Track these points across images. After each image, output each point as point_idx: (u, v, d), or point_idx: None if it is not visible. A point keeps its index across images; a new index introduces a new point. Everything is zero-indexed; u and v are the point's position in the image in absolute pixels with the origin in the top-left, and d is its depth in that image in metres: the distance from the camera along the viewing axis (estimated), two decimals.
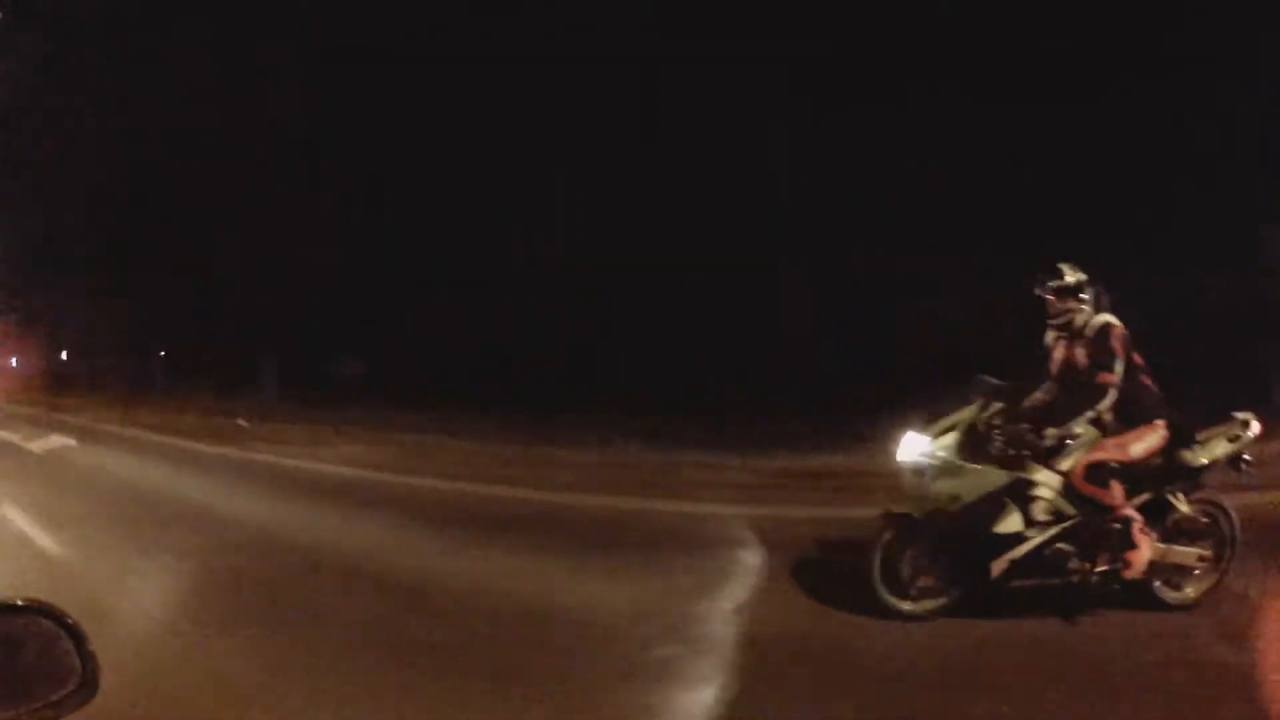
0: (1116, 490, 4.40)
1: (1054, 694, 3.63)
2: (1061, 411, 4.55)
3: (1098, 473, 4.40)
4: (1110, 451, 4.46)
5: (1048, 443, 4.46)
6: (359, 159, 18.16)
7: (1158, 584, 4.52)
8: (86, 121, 21.44)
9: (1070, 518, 4.41)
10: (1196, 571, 4.56)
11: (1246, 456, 4.66)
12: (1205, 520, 4.60)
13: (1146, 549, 4.37)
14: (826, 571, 5.17)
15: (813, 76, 15.63)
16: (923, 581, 4.48)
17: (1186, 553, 4.52)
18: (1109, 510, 4.40)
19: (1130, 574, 4.38)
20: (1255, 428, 4.64)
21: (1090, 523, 4.41)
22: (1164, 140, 14.89)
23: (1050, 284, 4.68)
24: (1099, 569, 4.40)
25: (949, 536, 4.49)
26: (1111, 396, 4.43)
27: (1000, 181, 15.30)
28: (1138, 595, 4.48)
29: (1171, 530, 4.54)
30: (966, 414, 4.58)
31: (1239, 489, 5.10)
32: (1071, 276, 4.68)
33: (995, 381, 4.64)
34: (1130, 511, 4.42)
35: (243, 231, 18.67)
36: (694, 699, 3.45)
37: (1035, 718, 3.46)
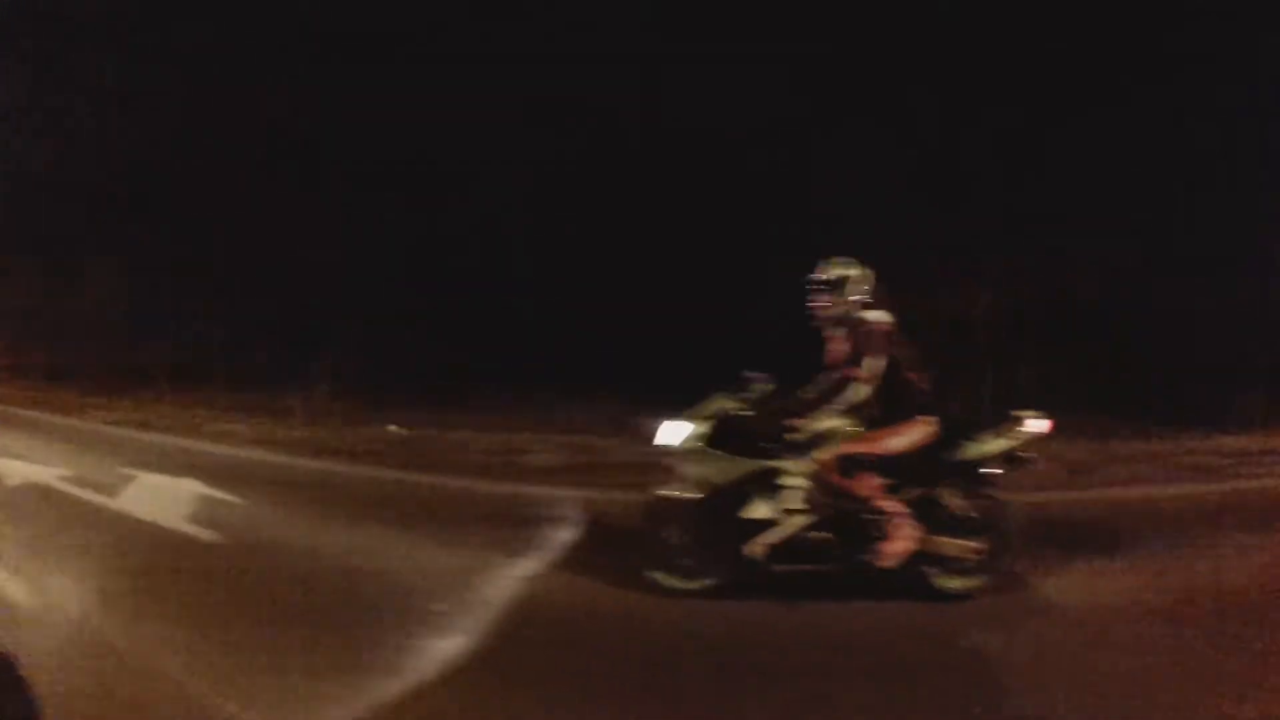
0: (867, 482, 4.57)
1: (799, 674, 3.90)
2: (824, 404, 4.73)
3: (847, 465, 4.58)
4: (864, 445, 4.62)
5: (800, 435, 4.67)
6: (356, 158, 18.16)
7: (934, 573, 4.66)
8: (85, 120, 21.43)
9: (824, 507, 4.63)
10: (973, 564, 4.67)
11: (1027, 455, 4.76)
12: (979, 516, 4.72)
13: (903, 541, 4.55)
14: (629, 548, 5.37)
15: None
16: (689, 561, 4.74)
17: (958, 545, 4.66)
18: (862, 501, 4.57)
19: (886, 564, 4.56)
20: (1037, 426, 4.75)
21: (845, 513, 4.61)
22: (1164, 141, 14.89)
23: (814, 278, 4.83)
24: (858, 557, 4.61)
25: (705, 520, 4.75)
26: (857, 391, 4.57)
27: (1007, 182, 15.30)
28: (915, 584, 4.66)
29: (943, 523, 4.68)
30: (723, 404, 4.82)
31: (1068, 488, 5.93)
32: (837, 271, 4.82)
33: (756, 374, 4.86)
34: (887, 503, 4.59)
35: (246, 230, 18.60)
36: (451, 644, 4.12)
37: (773, 695, 3.70)
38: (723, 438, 4.78)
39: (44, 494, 7.75)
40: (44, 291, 21.51)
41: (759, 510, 4.66)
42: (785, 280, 5.72)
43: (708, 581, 4.71)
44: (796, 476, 4.68)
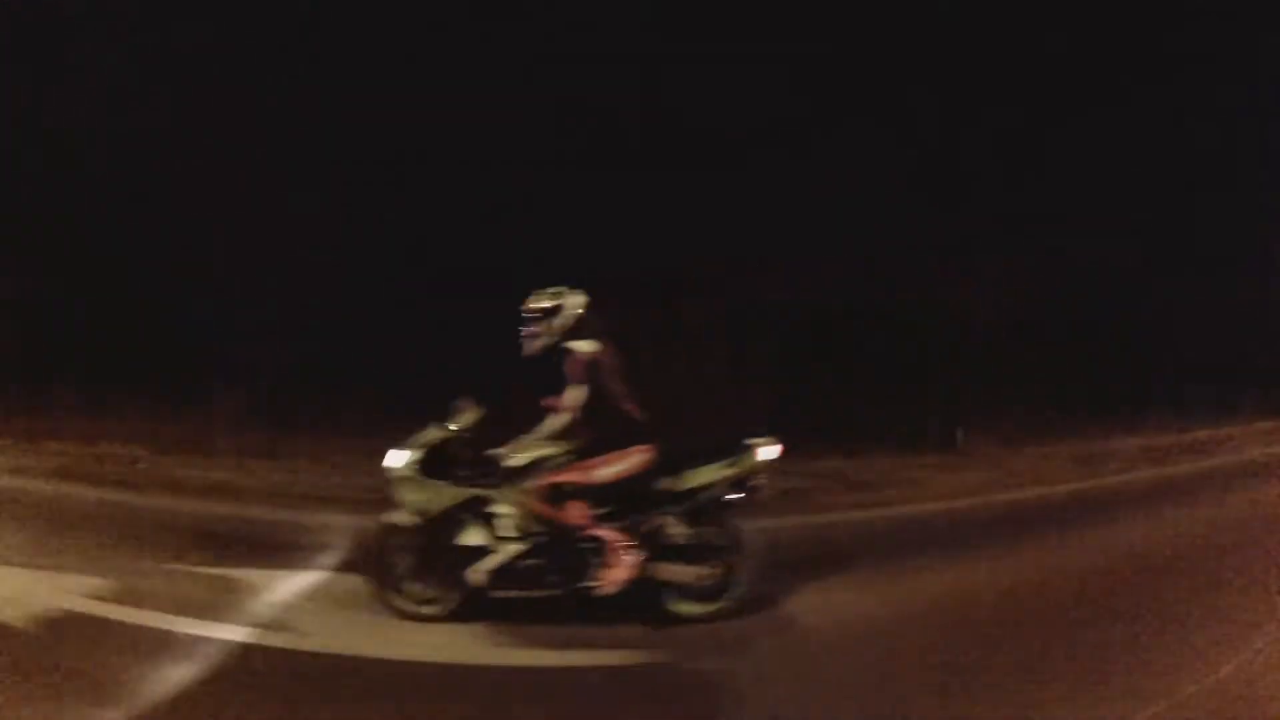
0: (575, 510, 4.56)
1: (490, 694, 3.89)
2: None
3: (555, 494, 4.56)
4: (572, 474, 4.60)
5: (510, 463, 4.68)
6: (353, 158, 17.86)
7: (671, 599, 4.68)
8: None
9: (536, 535, 4.63)
10: (709, 589, 4.70)
11: (755, 482, 4.79)
12: (707, 542, 4.74)
13: (623, 568, 4.54)
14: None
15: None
16: (419, 586, 4.74)
17: (686, 571, 4.67)
18: (573, 529, 4.57)
19: (606, 591, 4.56)
20: (766, 453, 4.77)
21: (558, 540, 4.61)
22: (1163, 142, 14.91)
23: (526, 307, 4.86)
24: (577, 584, 4.61)
25: (426, 547, 4.76)
26: (555, 420, 4.58)
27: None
28: (652, 608, 4.67)
29: (669, 550, 4.68)
30: (436, 433, 4.82)
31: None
32: (546, 301, 4.81)
33: (469, 403, 4.87)
34: (601, 531, 4.58)
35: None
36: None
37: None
38: (436, 465, 4.79)
39: None
40: None
41: (473, 537, 4.70)
42: None
43: (438, 607, 4.73)
44: (506, 504, 4.71)
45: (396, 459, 4.83)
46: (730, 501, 4.78)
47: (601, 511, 4.67)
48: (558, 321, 4.80)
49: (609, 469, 4.62)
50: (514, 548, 4.66)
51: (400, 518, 4.83)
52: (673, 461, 4.76)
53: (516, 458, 4.69)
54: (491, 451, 4.74)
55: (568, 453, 4.71)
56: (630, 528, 4.67)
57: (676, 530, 4.72)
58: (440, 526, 4.74)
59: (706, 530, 4.75)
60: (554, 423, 4.60)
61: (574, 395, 4.56)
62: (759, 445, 4.79)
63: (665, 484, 4.72)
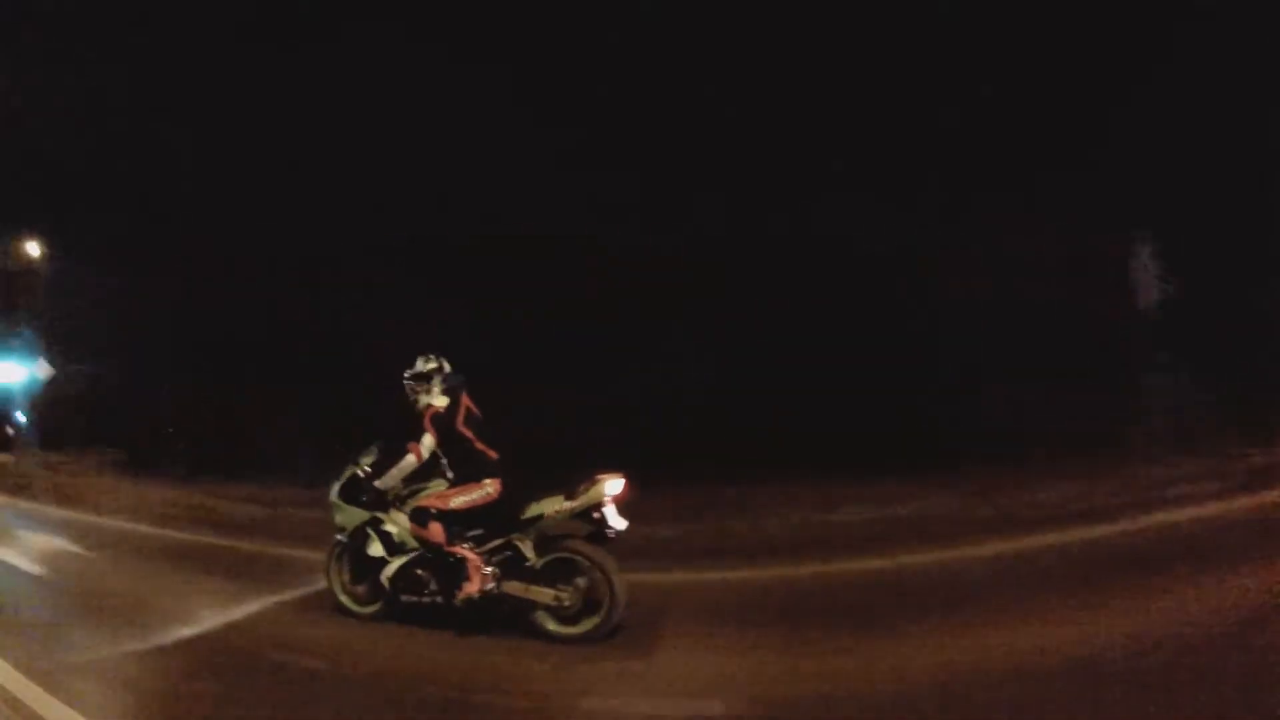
0: (436, 530, 5.58)
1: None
2: (430, 467, 5.81)
3: (420, 515, 5.64)
4: (434, 501, 5.69)
5: (391, 493, 5.89)
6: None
7: (539, 616, 5.41)
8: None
9: (415, 550, 5.74)
10: (569, 611, 5.33)
11: (599, 514, 5.37)
12: (557, 568, 5.41)
13: (475, 583, 5.48)
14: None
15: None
16: (361, 590, 6.08)
17: (539, 592, 5.40)
18: (436, 547, 5.58)
19: (461, 600, 5.52)
20: (610, 487, 5.37)
21: (429, 555, 5.66)
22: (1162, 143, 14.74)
23: (406, 372, 5.96)
24: (446, 593, 5.61)
25: (353, 558, 6.10)
26: (408, 461, 5.66)
27: None
28: (528, 625, 5.44)
29: (523, 571, 5.50)
30: (350, 468, 6.06)
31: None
32: (423, 366, 5.95)
33: (375, 443, 6.10)
34: (458, 550, 5.57)
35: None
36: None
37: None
38: (352, 492, 6.02)
39: None
40: None
41: (376, 549, 5.88)
42: None
43: (374, 608, 5.96)
44: (392, 524, 5.88)
45: (331, 489, 6.14)
46: (585, 529, 5.43)
47: (469, 534, 5.64)
48: (427, 382, 5.89)
49: (462, 498, 5.66)
50: (400, 560, 5.79)
51: (339, 535, 6.14)
52: (525, 493, 5.65)
53: (384, 486, 5.84)
54: (376, 482, 5.86)
55: (437, 484, 5.81)
56: (488, 550, 5.60)
57: (528, 554, 5.52)
58: (357, 541, 6.00)
59: (561, 557, 5.41)
60: (406, 463, 5.67)
61: (428, 441, 5.65)
62: (604, 479, 5.40)
63: (516, 512, 5.58)
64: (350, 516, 6.01)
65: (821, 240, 14.11)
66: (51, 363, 18.25)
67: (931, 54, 14.34)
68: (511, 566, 5.53)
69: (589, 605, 5.28)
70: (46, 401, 19.67)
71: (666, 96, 15.41)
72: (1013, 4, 14.61)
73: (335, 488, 6.09)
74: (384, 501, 5.92)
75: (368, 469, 5.94)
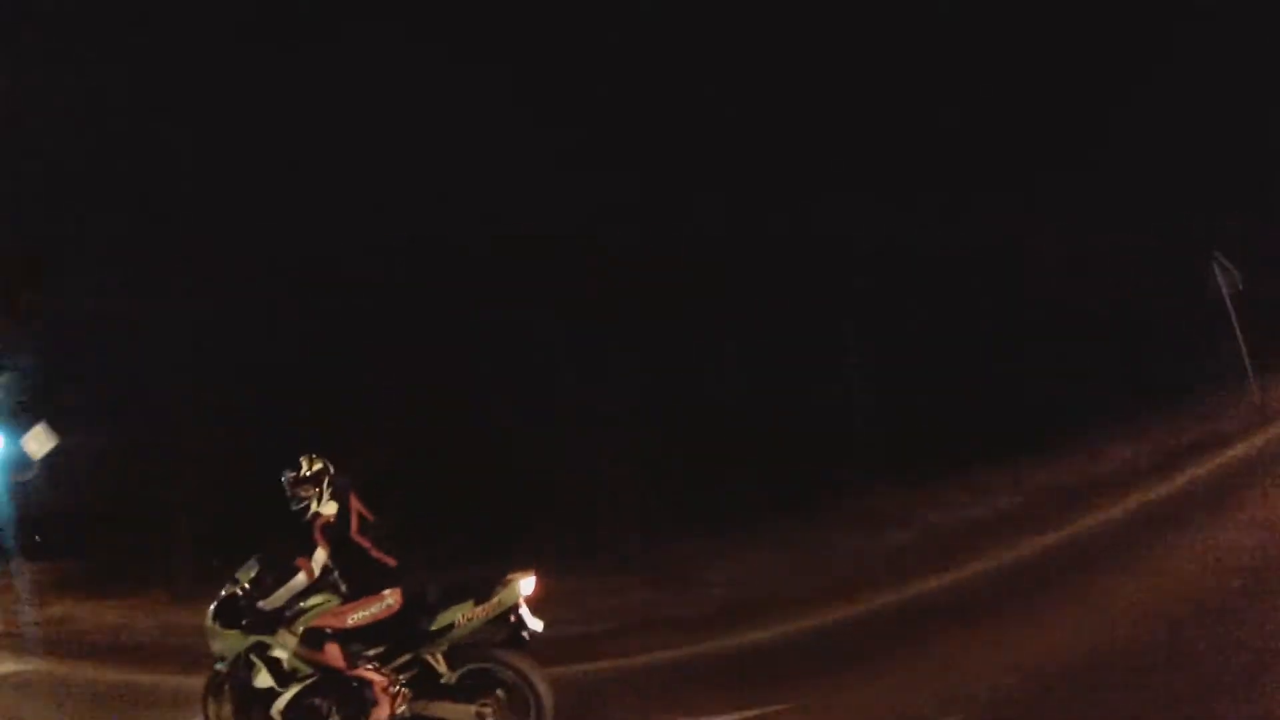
0: (333, 652, 4.95)
1: None
2: (323, 582, 5.17)
3: (315, 637, 5.00)
4: (329, 619, 5.04)
5: (268, 610, 5.09)
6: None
7: None
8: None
9: (310, 676, 5.05)
10: None
11: (515, 616, 4.96)
12: (476, 680, 4.97)
13: (384, 707, 4.90)
14: None
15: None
16: None
17: (460, 710, 4.93)
18: (336, 671, 4.97)
19: None
20: (524, 586, 4.98)
21: (328, 681, 5.02)
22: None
23: (287, 475, 5.31)
24: None
25: (235, 690, 5.23)
26: (297, 579, 5.00)
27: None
28: None
29: (438, 689, 5.00)
30: (230, 586, 5.27)
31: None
32: (307, 468, 5.30)
33: (255, 559, 5.34)
34: (361, 672, 4.97)
35: None
36: None
37: None
38: (231, 615, 5.21)
39: None
40: None
41: (263, 680, 5.09)
42: None
43: None
44: (281, 649, 5.12)
45: (207, 613, 5.30)
46: (509, 638, 5.00)
47: (371, 653, 5.06)
48: (304, 487, 5.25)
49: (360, 613, 5.05)
50: (293, 689, 5.05)
51: (218, 664, 5.29)
52: (431, 601, 5.10)
53: (271, 606, 5.08)
54: (260, 603, 5.10)
55: (329, 600, 5.14)
56: (396, 668, 5.03)
57: (441, 669, 5.02)
58: (239, 671, 5.19)
59: (479, 668, 4.98)
60: (296, 580, 5.01)
61: (316, 556, 5.02)
62: (517, 578, 5.01)
63: (422, 623, 5.02)
64: (230, 643, 5.19)
65: (821, 240, 14.15)
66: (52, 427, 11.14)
67: (931, 54, 14.37)
68: (423, 684, 5.03)
69: (514, 716, 4.89)
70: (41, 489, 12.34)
71: (666, 96, 15.41)
72: (1013, 4, 14.62)
73: (211, 610, 5.29)
74: (269, 624, 5.15)
75: (246, 587, 5.22)
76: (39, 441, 11.10)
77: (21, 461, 11.34)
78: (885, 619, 6.94)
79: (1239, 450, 9.77)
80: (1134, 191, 14.09)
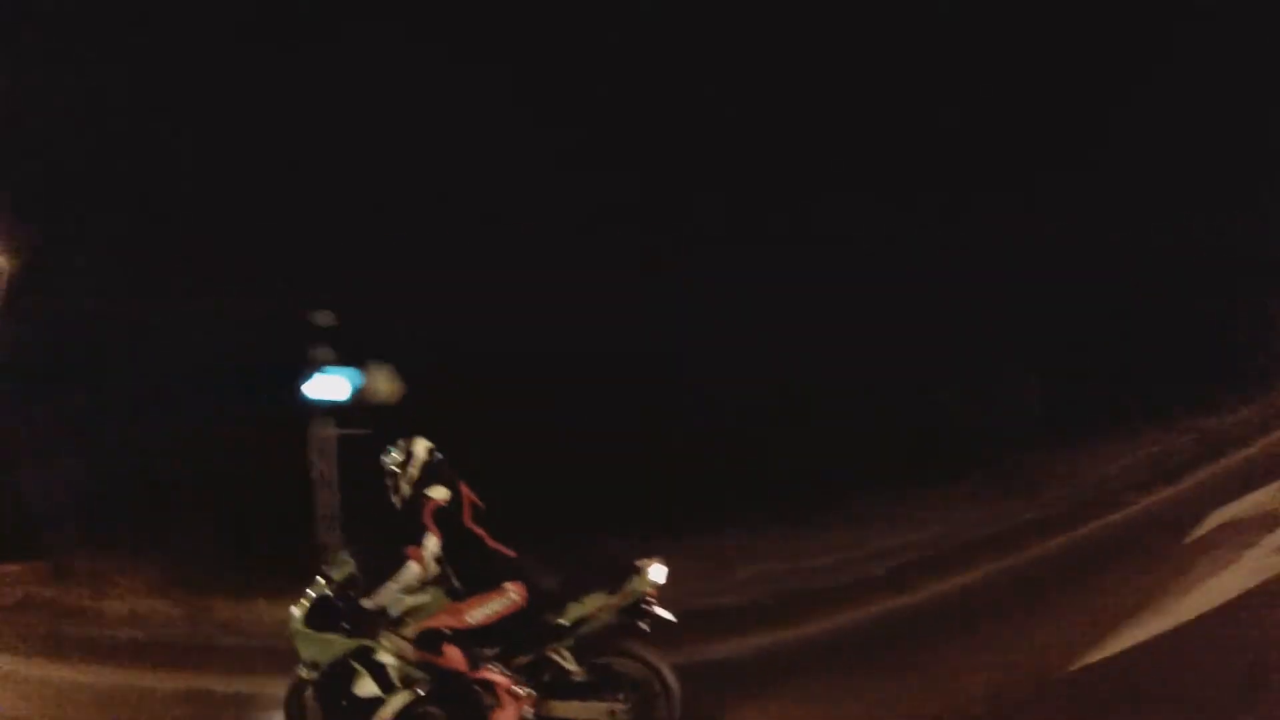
0: (453, 655, 4.53)
1: None
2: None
3: (431, 639, 4.57)
4: (445, 619, 4.62)
5: (371, 609, 4.66)
6: None
7: None
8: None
9: (423, 682, 4.64)
10: None
11: (647, 605, 4.65)
12: (607, 676, 4.64)
13: (512, 709, 4.49)
14: None
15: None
16: None
17: (588, 708, 4.61)
18: (455, 674, 4.55)
19: None
20: (655, 574, 4.66)
21: (446, 686, 4.60)
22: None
23: (388, 455, 4.99)
24: None
25: (326, 700, 4.78)
26: (410, 570, 4.54)
27: None
28: None
29: (566, 688, 4.64)
30: (320, 585, 4.87)
31: None
32: (398, 454, 4.97)
33: (346, 555, 5.05)
34: (487, 673, 4.56)
35: None
36: None
37: None
38: (322, 618, 4.80)
39: None
40: None
41: (365, 688, 4.68)
42: None
43: None
44: (388, 653, 4.72)
45: (291, 614, 4.88)
46: (629, 628, 4.68)
47: (488, 653, 4.64)
48: (409, 471, 4.90)
49: (481, 610, 4.64)
50: (402, 697, 4.64)
51: (303, 672, 4.84)
52: (556, 593, 4.74)
53: (377, 605, 4.65)
54: (364, 601, 4.68)
55: (438, 598, 4.75)
56: (518, 667, 4.65)
57: (569, 666, 4.67)
58: (334, 679, 4.74)
59: (605, 662, 4.66)
60: (409, 572, 4.55)
61: (430, 543, 4.57)
62: (646, 566, 4.69)
63: (549, 618, 4.67)
64: (325, 648, 4.75)
65: (822, 240, 14.18)
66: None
67: (931, 54, 14.37)
68: (550, 683, 4.68)
69: (643, 710, 4.59)
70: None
71: (666, 96, 15.41)
72: (1013, 4, 14.63)
73: (298, 613, 4.84)
74: (373, 626, 4.71)
75: (340, 586, 4.84)
76: (387, 382, 9.24)
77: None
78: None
79: None
80: (1134, 192, 14.14)
